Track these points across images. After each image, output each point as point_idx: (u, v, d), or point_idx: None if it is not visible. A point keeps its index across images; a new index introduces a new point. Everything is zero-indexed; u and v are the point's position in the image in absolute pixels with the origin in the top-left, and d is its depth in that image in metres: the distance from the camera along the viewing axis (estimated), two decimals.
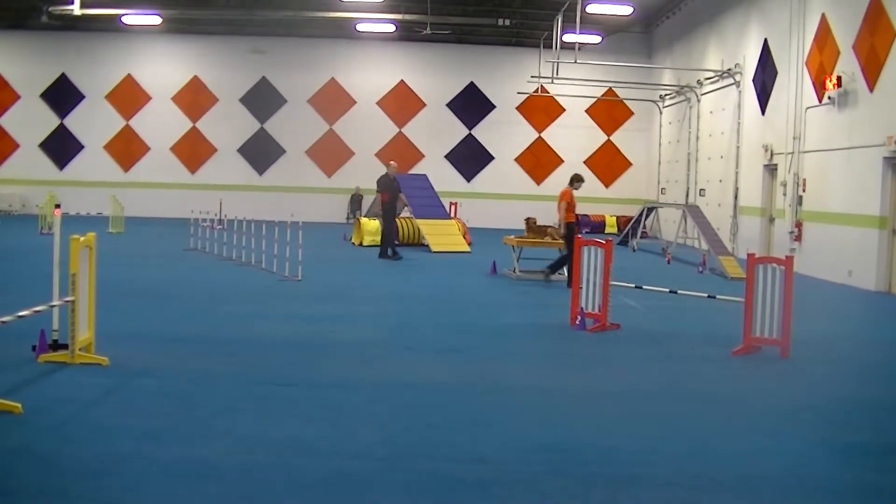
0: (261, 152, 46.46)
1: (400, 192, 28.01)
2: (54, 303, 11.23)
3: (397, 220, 29.72)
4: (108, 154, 46.08)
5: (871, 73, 23.16)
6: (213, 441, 8.37)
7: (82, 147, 46.09)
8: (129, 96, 46.17)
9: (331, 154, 46.58)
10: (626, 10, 36.59)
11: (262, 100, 46.46)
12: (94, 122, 45.95)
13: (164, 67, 46.26)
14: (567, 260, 21.21)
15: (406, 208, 31.57)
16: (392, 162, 28.58)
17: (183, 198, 43.35)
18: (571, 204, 21.65)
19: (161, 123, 46.09)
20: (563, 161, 47.19)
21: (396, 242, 29.27)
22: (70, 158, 46.09)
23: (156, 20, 41.06)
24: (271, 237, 23.06)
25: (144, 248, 28.48)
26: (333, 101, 46.61)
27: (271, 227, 24.04)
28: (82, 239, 11.11)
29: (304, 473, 7.55)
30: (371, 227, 31.62)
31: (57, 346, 11.33)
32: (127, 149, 46.15)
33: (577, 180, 22.22)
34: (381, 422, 9.26)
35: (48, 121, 46.12)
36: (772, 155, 29.51)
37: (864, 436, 9.48)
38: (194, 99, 46.32)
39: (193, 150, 46.32)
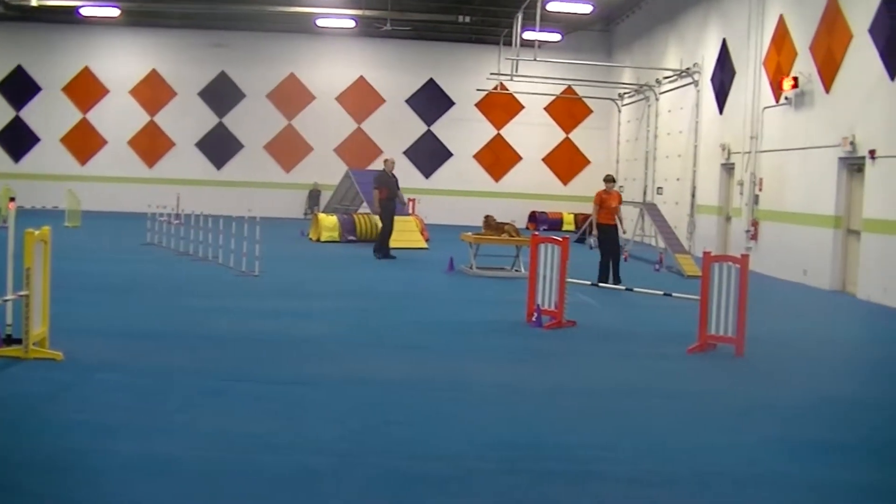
0: (219, 147, 46.25)
1: (398, 188, 27.33)
2: (8, 297, 11.16)
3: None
4: (64, 147, 45.74)
5: (828, 74, 23.34)
6: (171, 437, 8.35)
7: (38, 140, 45.73)
8: (86, 89, 45.85)
9: (289, 149, 46.44)
10: (586, 9, 36.65)
11: (221, 94, 46.26)
12: (50, 115, 45.60)
13: (122, 60, 45.96)
14: (606, 266, 21.26)
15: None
16: (389, 158, 28.18)
17: (140, 192, 43.05)
18: (602, 206, 21.56)
19: (119, 117, 45.78)
20: (521, 158, 47.31)
21: (353, 238, 29.28)
22: (26, 151, 45.71)
23: (114, 12, 40.74)
24: (229, 232, 22.99)
25: (101, 242, 28.34)
26: (292, 96, 46.49)
27: (229, 222, 23.95)
28: (37, 233, 11.05)
29: (262, 469, 7.54)
30: (328, 222, 31.57)
31: (11, 340, 11.23)
32: (84, 142, 45.82)
33: (605, 181, 22.15)
34: (339, 418, 9.26)
35: (4, 113, 45.70)
36: (729, 154, 29.69)
37: (818, 433, 9.57)
38: (152, 92, 46.05)
39: (151, 144, 46.06)
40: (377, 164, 42.34)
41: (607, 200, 21.69)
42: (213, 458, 7.76)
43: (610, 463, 8.18)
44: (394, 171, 26.98)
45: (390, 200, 26.46)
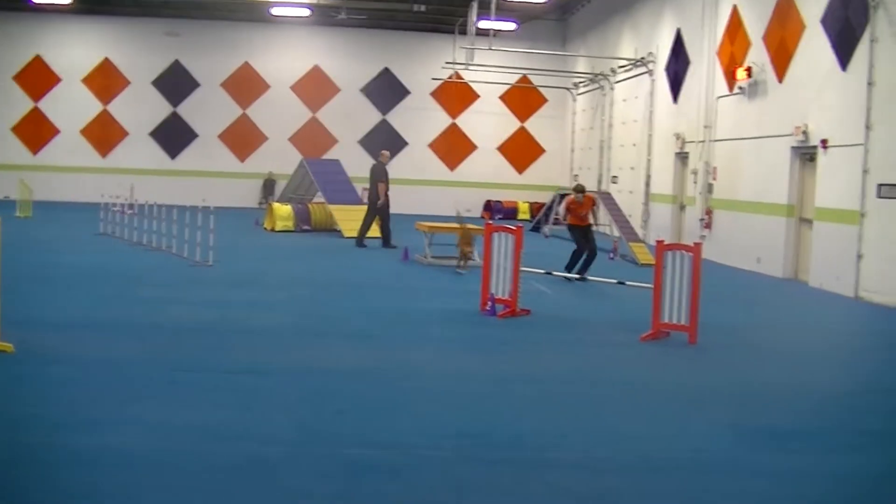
0: (173, 136, 45.90)
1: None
2: None
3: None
4: (15, 136, 45.19)
5: (781, 64, 23.49)
6: (124, 428, 8.32)
7: None
8: (38, 77, 45.32)
9: (244, 138, 46.17)
10: None
11: (175, 83, 45.88)
12: (1, 104, 45.01)
13: (74, 48, 45.49)
14: (577, 256, 21.12)
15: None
16: (385, 151, 28.23)
17: (94, 182, 42.64)
18: (571, 213, 21.34)
19: (71, 106, 45.30)
20: (476, 147, 47.27)
21: (307, 228, 29.16)
22: None
23: (66, 0, 40.39)
24: (183, 222, 22.86)
25: (54, 232, 28.11)
26: (247, 85, 46.20)
27: (183, 212, 23.81)
28: None
29: (214, 459, 7.54)
30: (283, 212, 31.47)
31: None
32: (36, 131, 45.32)
33: (575, 190, 22.01)
34: (292, 407, 9.26)
35: None
36: (683, 143, 29.83)
37: (768, 419, 9.65)
38: (105, 81, 45.62)
39: (104, 134, 45.64)
40: (332, 154, 42.48)
41: (576, 210, 21.51)
42: (164, 449, 7.73)
43: (562, 451, 8.23)
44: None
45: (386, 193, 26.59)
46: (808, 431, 9.30)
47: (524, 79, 45.62)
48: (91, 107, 45.41)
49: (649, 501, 7.18)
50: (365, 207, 30.12)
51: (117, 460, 7.41)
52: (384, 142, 45.60)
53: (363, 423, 8.83)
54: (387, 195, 26.36)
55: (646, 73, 33.56)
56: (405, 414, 9.22)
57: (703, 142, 27.93)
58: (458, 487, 7.20)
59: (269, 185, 45.10)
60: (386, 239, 26.72)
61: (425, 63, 45.53)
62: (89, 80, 45.43)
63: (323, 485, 7.11)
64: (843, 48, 20.72)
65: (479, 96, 46.91)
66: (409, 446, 8.12)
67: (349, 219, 29.59)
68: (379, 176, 26.64)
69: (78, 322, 13.43)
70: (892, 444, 9.08)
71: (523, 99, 47.22)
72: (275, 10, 41.54)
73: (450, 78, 44.68)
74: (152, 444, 7.86)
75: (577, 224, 21.40)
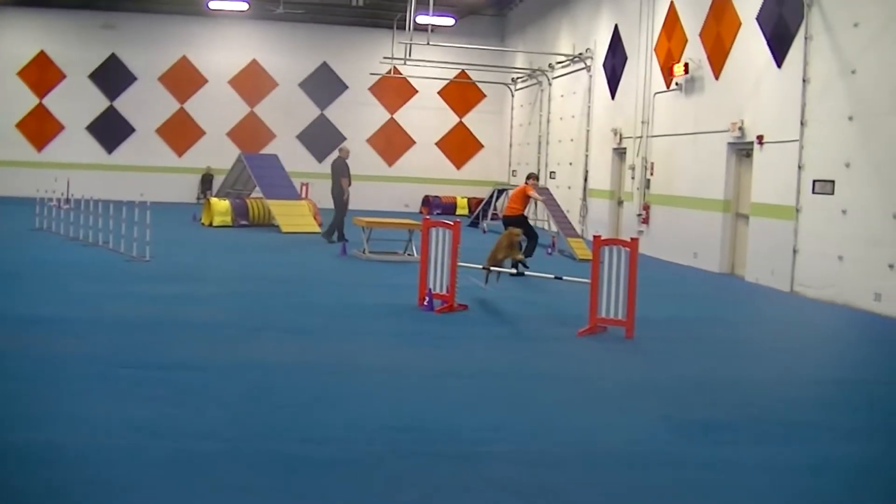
0: (110, 130, 45.45)
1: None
2: None
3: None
4: None
5: (717, 60, 23.68)
6: (58, 424, 8.23)
7: None
8: None
9: (181, 133, 45.84)
10: None
11: (112, 77, 45.43)
12: None
13: (9, 41, 44.92)
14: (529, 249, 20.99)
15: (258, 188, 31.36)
16: (345, 147, 28.30)
17: (29, 176, 42.18)
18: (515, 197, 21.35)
19: (6, 99, 44.70)
20: (415, 142, 47.26)
21: (245, 223, 29.06)
22: None
23: None
24: (120, 217, 22.67)
25: None
26: (185, 79, 45.87)
27: (120, 207, 23.61)
28: None
29: (149, 454, 7.47)
30: (221, 207, 31.28)
31: None
32: None
33: (535, 178, 22.04)
34: (227, 402, 9.22)
35: None
36: (621, 139, 30.00)
37: (704, 412, 9.73)
38: (41, 74, 45.10)
39: (40, 128, 45.12)
40: (270, 148, 42.34)
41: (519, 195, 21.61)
42: (99, 445, 7.67)
43: (499, 444, 8.24)
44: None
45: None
46: (741, 423, 9.37)
47: (462, 74, 45.69)
48: (26, 100, 44.89)
49: (585, 494, 7.20)
50: (304, 202, 30.22)
51: (50, 456, 7.33)
52: (322, 137, 45.63)
53: (300, 417, 8.81)
54: (342, 189, 26.46)
55: (583, 68, 33.71)
56: (342, 408, 9.21)
57: (640, 137, 28.11)
58: (394, 481, 7.19)
59: (207, 180, 44.82)
60: (330, 232, 26.69)
61: (363, 58, 45.48)
62: (25, 74, 44.90)
63: (260, 479, 7.08)
64: (779, 46, 20.94)
65: (417, 91, 46.91)
66: (346, 441, 8.10)
67: (287, 213, 29.55)
68: (341, 171, 26.77)
69: (12, 317, 13.27)
70: (823, 435, 9.17)
71: (462, 94, 47.29)
72: (212, 4, 41.23)
73: (388, 73, 44.62)
74: (86, 439, 7.79)
75: (517, 215, 21.43)
